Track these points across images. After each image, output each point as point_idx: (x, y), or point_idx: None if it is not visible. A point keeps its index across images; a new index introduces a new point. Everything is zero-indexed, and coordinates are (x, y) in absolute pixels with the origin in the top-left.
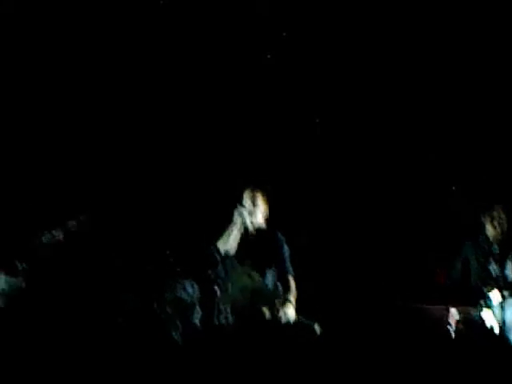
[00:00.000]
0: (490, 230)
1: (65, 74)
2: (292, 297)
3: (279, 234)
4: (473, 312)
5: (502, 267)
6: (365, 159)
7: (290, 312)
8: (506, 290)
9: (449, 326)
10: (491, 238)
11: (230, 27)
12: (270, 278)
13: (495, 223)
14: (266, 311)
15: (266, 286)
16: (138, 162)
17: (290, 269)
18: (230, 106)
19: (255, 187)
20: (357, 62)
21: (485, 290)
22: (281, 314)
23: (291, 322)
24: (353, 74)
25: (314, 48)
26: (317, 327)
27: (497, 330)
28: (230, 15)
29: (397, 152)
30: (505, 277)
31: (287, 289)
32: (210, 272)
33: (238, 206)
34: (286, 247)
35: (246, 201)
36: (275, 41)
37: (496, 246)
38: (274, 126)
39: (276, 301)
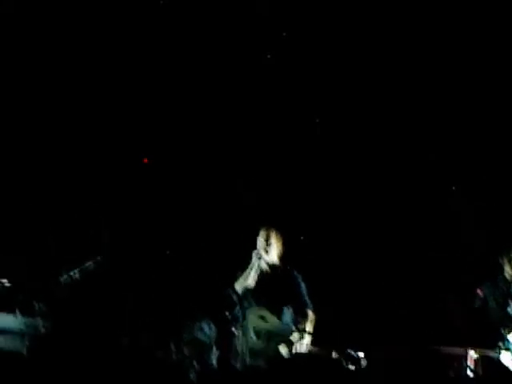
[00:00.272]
0: (508, 271)
1: (65, 75)
2: (310, 328)
3: (295, 272)
4: (491, 354)
5: None
6: (365, 164)
7: (306, 343)
8: None
9: (468, 368)
10: (510, 279)
11: (230, 27)
12: (288, 315)
13: None
14: (283, 349)
15: (282, 324)
16: (154, 204)
17: (309, 302)
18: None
19: (269, 226)
20: (357, 61)
21: (503, 331)
22: (297, 347)
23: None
24: (353, 74)
25: (313, 48)
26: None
27: None
28: (230, 15)
29: (397, 152)
30: None
31: (306, 321)
32: (227, 313)
33: (258, 248)
34: (302, 283)
35: (261, 240)
36: (275, 41)
37: None
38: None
39: (292, 337)
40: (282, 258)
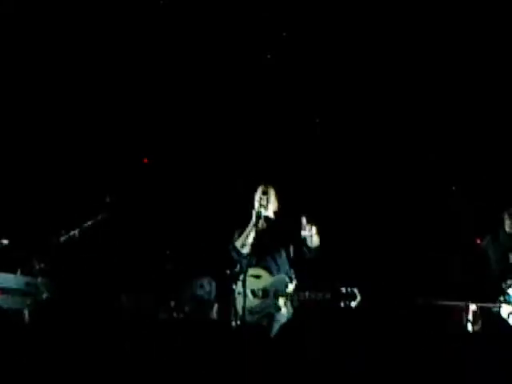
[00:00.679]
0: (508, 225)
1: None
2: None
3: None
4: (492, 308)
5: None
6: (365, 160)
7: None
8: None
9: (468, 322)
10: (510, 232)
11: (230, 27)
12: (283, 267)
13: None
14: (281, 301)
15: (277, 278)
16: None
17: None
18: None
19: (267, 183)
20: (357, 61)
21: (504, 285)
22: (294, 298)
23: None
24: (353, 74)
25: (313, 48)
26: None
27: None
28: (230, 15)
29: (397, 152)
30: None
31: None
32: (227, 271)
33: (257, 205)
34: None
35: (259, 197)
36: (275, 41)
37: None
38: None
39: (288, 289)
40: (278, 214)
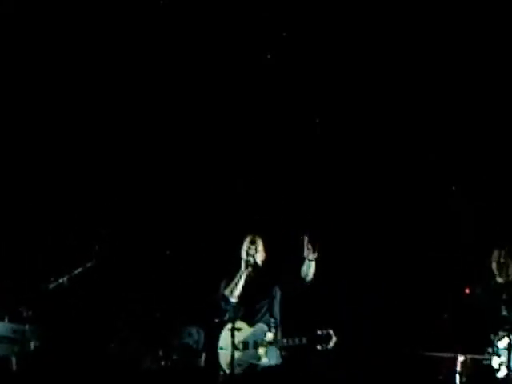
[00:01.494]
0: (500, 276)
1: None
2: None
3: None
4: (481, 359)
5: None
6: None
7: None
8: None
9: (457, 374)
10: (501, 283)
11: (230, 27)
12: (264, 319)
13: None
14: (261, 351)
15: (256, 329)
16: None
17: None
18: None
19: (255, 233)
20: (357, 61)
21: (492, 336)
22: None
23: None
24: (353, 74)
25: (313, 48)
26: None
27: (505, 377)
28: (230, 15)
29: (397, 152)
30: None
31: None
32: (216, 319)
33: (245, 255)
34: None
35: (248, 247)
36: (275, 41)
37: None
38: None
39: (267, 338)
40: (265, 264)
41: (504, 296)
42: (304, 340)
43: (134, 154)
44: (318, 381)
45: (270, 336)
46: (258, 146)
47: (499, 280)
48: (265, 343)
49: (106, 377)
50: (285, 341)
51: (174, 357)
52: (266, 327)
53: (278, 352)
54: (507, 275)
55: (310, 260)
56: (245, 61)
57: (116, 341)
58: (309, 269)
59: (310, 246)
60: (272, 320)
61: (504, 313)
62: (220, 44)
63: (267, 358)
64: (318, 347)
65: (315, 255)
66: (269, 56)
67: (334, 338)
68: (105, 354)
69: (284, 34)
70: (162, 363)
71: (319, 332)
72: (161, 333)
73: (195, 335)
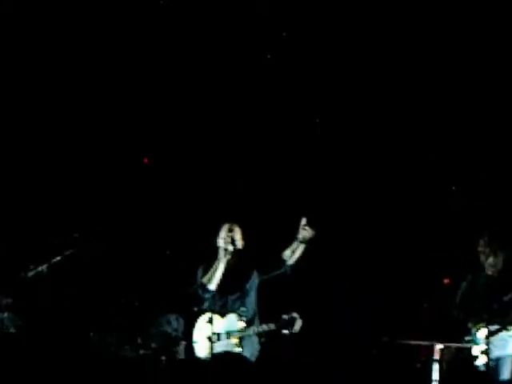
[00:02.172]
0: (488, 266)
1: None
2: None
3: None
4: (459, 348)
5: (494, 303)
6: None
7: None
8: (493, 325)
9: (434, 362)
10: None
11: (230, 27)
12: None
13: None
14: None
15: (228, 321)
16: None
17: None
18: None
19: (233, 222)
20: (357, 61)
21: (470, 325)
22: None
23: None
24: (353, 73)
25: (313, 48)
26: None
27: (483, 366)
28: (230, 15)
29: (397, 152)
30: (493, 312)
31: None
32: (195, 308)
33: (222, 243)
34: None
35: (227, 234)
36: (275, 41)
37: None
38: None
39: (238, 328)
40: (243, 252)
41: (493, 289)
42: (272, 326)
43: (113, 143)
44: (291, 367)
45: (241, 325)
46: (258, 146)
47: (489, 273)
48: (236, 333)
49: (85, 365)
50: (253, 329)
51: (153, 345)
52: (236, 317)
53: (256, 340)
54: (493, 266)
55: (300, 242)
56: (245, 61)
57: (95, 329)
58: (294, 252)
59: (306, 227)
60: (243, 309)
61: (495, 306)
62: (220, 44)
63: (241, 347)
64: (285, 331)
65: (309, 236)
66: (269, 56)
67: (300, 321)
68: (84, 342)
69: (284, 33)
70: (141, 351)
71: (284, 316)
72: (139, 321)
73: (174, 323)
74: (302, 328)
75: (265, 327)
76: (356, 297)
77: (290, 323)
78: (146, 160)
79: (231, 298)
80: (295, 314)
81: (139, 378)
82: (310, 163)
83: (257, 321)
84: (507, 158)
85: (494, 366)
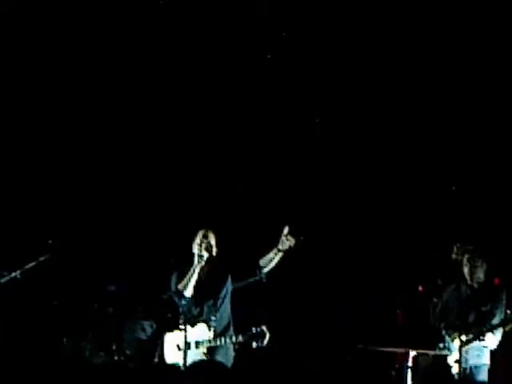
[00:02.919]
0: (468, 273)
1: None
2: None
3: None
4: (432, 355)
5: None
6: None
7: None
8: (467, 334)
9: (408, 369)
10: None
11: (230, 27)
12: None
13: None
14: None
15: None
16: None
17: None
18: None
19: (208, 228)
20: (357, 61)
21: (444, 333)
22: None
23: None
24: (352, 73)
25: (313, 48)
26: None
27: (456, 375)
28: (230, 15)
29: (397, 152)
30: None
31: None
32: (169, 314)
33: (197, 249)
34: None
35: (202, 240)
36: (275, 41)
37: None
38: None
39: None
40: (218, 258)
41: (472, 300)
42: (240, 338)
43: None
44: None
45: (209, 335)
46: (258, 146)
47: (470, 283)
48: (205, 343)
49: (58, 372)
50: (221, 340)
51: (127, 351)
52: (205, 326)
53: (229, 349)
54: (471, 276)
55: (279, 250)
56: (245, 61)
57: (69, 335)
58: (272, 260)
59: (289, 237)
60: (213, 318)
61: (472, 316)
62: (220, 44)
63: (212, 356)
64: (254, 345)
65: (289, 245)
66: (269, 56)
67: (268, 335)
68: (58, 348)
69: (284, 34)
70: (115, 358)
71: (253, 329)
72: (114, 327)
73: (148, 330)
74: (270, 340)
75: (233, 339)
76: (332, 303)
77: (260, 336)
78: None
79: (207, 304)
80: (264, 328)
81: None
82: (310, 163)
83: (231, 329)
84: (507, 158)
85: (469, 373)
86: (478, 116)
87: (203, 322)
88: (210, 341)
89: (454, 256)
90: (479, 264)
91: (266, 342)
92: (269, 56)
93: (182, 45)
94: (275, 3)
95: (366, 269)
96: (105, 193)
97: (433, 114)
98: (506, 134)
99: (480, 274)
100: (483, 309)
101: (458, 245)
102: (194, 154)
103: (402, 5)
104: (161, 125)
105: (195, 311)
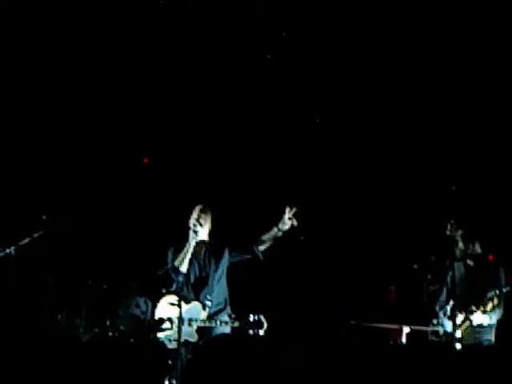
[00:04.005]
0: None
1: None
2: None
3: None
4: (426, 330)
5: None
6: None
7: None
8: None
9: (402, 345)
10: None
11: (230, 27)
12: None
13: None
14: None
15: (191, 307)
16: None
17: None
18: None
19: (204, 205)
20: (357, 61)
21: (437, 309)
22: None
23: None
24: (352, 73)
25: (313, 48)
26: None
27: (450, 349)
28: (230, 15)
29: (397, 152)
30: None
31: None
32: (163, 290)
33: (192, 225)
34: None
35: (199, 215)
36: (275, 41)
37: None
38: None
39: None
40: (210, 234)
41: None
42: (236, 323)
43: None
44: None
45: (203, 314)
46: (258, 146)
47: (467, 262)
48: (198, 322)
49: (52, 348)
50: (215, 321)
51: (122, 327)
52: (200, 305)
53: (225, 331)
54: (463, 251)
55: (279, 230)
56: (245, 61)
57: (63, 312)
58: (269, 240)
59: (291, 216)
60: (208, 298)
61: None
62: (220, 44)
63: (205, 336)
64: (250, 332)
65: (290, 226)
66: (269, 56)
67: (266, 325)
68: (52, 325)
69: (284, 33)
70: (109, 334)
71: (251, 317)
72: (108, 303)
73: (143, 306)
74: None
75: (229, 323)
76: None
77: (256, 325)
78: (145, 160)
79: (202, 285)
80: (262, 317)
81: (107, 359)
82: (310, 163)
83: (227, 311)
84: (507, 158)
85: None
86: (478, 116)
87: (199, 300)
88: (204, 321)
89: (448, 232)
90: (467, 237)
91: (262, 331)
92: (269, 56)
93: (182, 45)
94: (275, 3)
95: (360, 247)
96: (100, 172)
97: (433, 114)
98: (506, 134)
99: (468, 249)
100: (477, 286)
101: (452, 221)
102: (195, 149)
103: (402, 5)
104: (159, 119)
105: (190, 288)
